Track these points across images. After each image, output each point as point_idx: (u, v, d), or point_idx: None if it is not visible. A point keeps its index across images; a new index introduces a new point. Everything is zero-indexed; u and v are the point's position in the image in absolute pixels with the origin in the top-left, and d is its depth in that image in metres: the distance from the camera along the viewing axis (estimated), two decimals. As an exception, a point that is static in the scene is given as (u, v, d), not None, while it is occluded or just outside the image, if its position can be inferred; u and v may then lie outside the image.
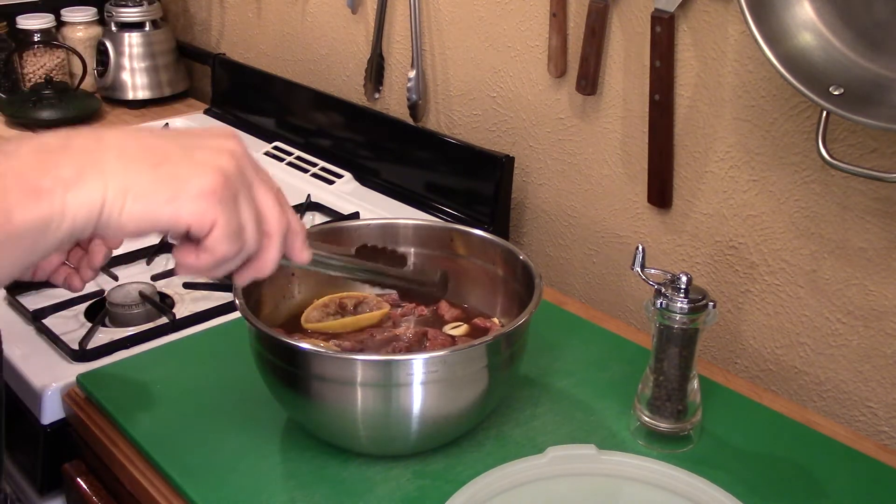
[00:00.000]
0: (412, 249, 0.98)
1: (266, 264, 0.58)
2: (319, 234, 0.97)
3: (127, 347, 0.99)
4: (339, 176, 1.43)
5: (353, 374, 0.76)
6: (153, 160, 0.52)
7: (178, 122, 1.70)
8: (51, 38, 1.79)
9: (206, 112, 1.75)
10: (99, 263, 0.65)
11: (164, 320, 1.04)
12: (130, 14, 1.79)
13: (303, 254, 0.62)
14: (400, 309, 0.96)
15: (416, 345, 0.89)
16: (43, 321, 1.02)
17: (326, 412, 0.80)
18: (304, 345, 0.78)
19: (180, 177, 0.52)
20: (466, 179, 1.29)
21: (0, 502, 0.87)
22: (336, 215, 1.30)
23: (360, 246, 0.83)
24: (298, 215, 0.63)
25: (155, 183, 0.51)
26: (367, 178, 1.42)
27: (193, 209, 0.52)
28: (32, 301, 1.07)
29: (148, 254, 1.18)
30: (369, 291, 0.98)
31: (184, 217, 0.52)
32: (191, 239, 0.55)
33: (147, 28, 1.80)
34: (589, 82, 1.13)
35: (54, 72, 1.78)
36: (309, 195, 1.36)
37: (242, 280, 0.60)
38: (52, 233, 0.49)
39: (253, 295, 0.86)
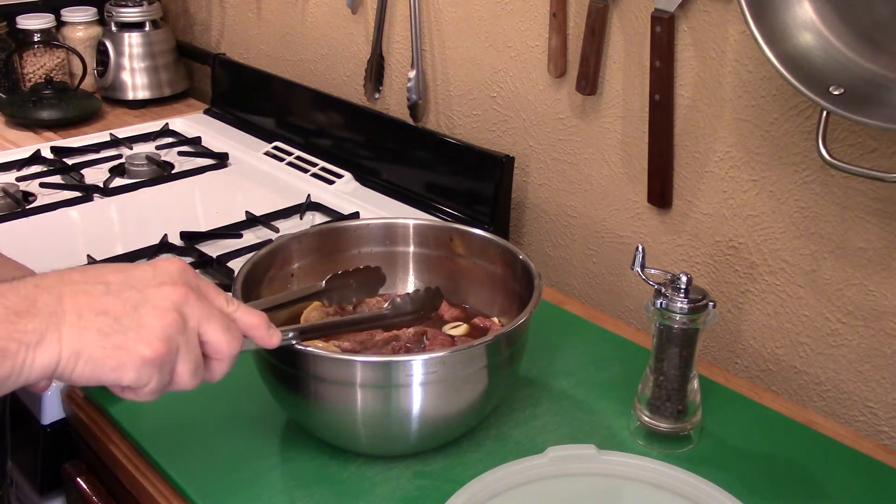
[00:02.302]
0: (411, 249, 0.98)
1: (216, 376, 0.68)
2: (318, 235, 0.97)
3: (127, 347, 0.99)
4: (339, 176, 1.43)
5: (353, 375, 0.76)
6: (105, 327, 0.60)
7: (177, 122, 1.70)
8: (51, 38, 1.79)
9: (206, 112, 1.75)
10: None
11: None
12: (130, 14, 1.79)
13: (271, 339, 0.71)
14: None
15: (416, 345, 0.89)
16: (43, 321, 1.02)
17: (326, 413, 0.80)
18: (304, 346, 0.78)
19: (127, 347, 0.60)
20: (466, 179, 1.29)
21: (5, 488, 0.88)
22: (336, 215, 1.30)
23: (330, 277, 0.87)
24: (250, 310, 0.70)
25: (104, 351, 0.60)
26: (367, 178, 1.42)
27: (133, 376, 0.61)
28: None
29: (148, 254, 1.18)
30: (360, 301, 0.97)
31: (125, 381, 0.61)
32: None
33: (147, 28, 1.80)
34: (589, 82, 1.13)
35: (54, 72, 1.78)
36: (309, 195, 1.36)
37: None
38: (9, 384, 0.59)
39: (252, 296, 0.86)
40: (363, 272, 0.91)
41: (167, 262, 0.65)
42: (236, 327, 0.67)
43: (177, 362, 0.63)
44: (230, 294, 0.69)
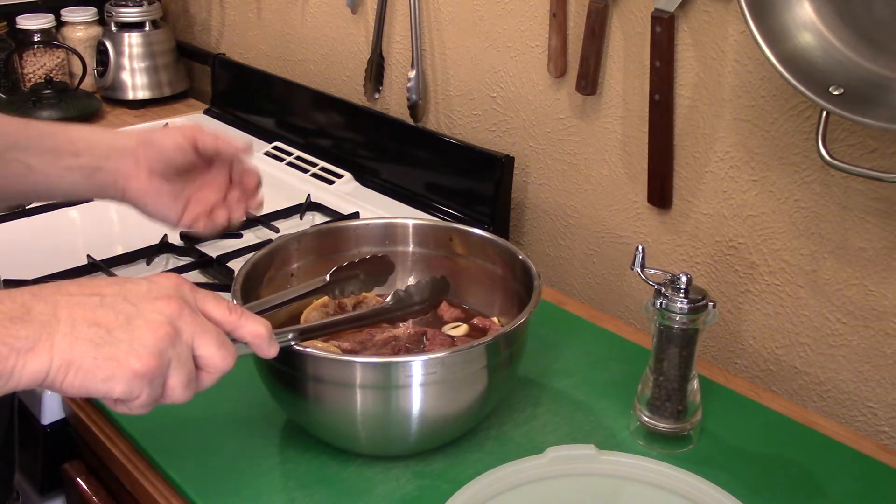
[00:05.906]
0: (411, 249, 0.98)
1: (204, 386, 0.67)
2: (318, 235, 0.97)
3: (127, 348, 0.99)
4: (339, 176, 1.43)
5: (353, 376, 0.76)
6: (97, 338, 0.60)
7: (177, 121, 1.70)
8: (51, 38, 1.79)
9: (206, 112, 1.75)
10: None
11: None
12: (130, 14, 1.79)
13: (269, 351, 0.70)
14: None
15: (415, 345, 0.89)
16: (43, 321, 1.02)
17: (326, 414, 0.80)
18: (303, 347, 0.78)
19: (119, 359, 0.60)
20: (466, 179, 1.29)
21: (12, 501, 0.87)
22: (336, 215, 1.30)
23: (335, 269, 0.86)
24: (254, 318, 0.69)
25: (95, 362, 0.59)
26: (367, 178, 1.42)
27: (123, 388, 0.60)
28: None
29: (148, 254, 1.18)
30: (368, 292, 0.98)
31: (115, 393, 0.61)
32: None
33: (147, 28, 1.80)
34: (589, 82, 1.13)
35: (54, 72, 1.78)
36: (309, 195, 1.36)
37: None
38: None
39: (252, 296, 0.86)
40: (370, 262, 0.90)
41: (163, 276, 0.66)
42: (230, 342, 0.67)
43: (168, 376, 0.62)
44: (233, 301, 0.69)
